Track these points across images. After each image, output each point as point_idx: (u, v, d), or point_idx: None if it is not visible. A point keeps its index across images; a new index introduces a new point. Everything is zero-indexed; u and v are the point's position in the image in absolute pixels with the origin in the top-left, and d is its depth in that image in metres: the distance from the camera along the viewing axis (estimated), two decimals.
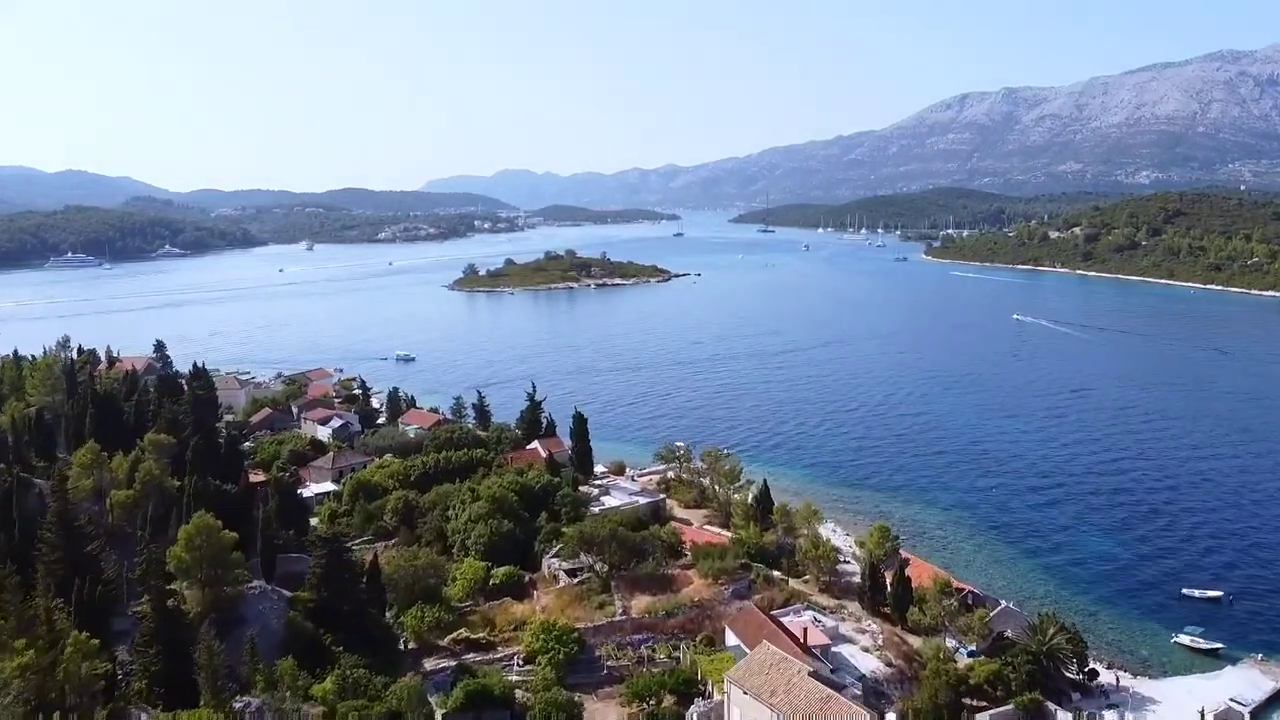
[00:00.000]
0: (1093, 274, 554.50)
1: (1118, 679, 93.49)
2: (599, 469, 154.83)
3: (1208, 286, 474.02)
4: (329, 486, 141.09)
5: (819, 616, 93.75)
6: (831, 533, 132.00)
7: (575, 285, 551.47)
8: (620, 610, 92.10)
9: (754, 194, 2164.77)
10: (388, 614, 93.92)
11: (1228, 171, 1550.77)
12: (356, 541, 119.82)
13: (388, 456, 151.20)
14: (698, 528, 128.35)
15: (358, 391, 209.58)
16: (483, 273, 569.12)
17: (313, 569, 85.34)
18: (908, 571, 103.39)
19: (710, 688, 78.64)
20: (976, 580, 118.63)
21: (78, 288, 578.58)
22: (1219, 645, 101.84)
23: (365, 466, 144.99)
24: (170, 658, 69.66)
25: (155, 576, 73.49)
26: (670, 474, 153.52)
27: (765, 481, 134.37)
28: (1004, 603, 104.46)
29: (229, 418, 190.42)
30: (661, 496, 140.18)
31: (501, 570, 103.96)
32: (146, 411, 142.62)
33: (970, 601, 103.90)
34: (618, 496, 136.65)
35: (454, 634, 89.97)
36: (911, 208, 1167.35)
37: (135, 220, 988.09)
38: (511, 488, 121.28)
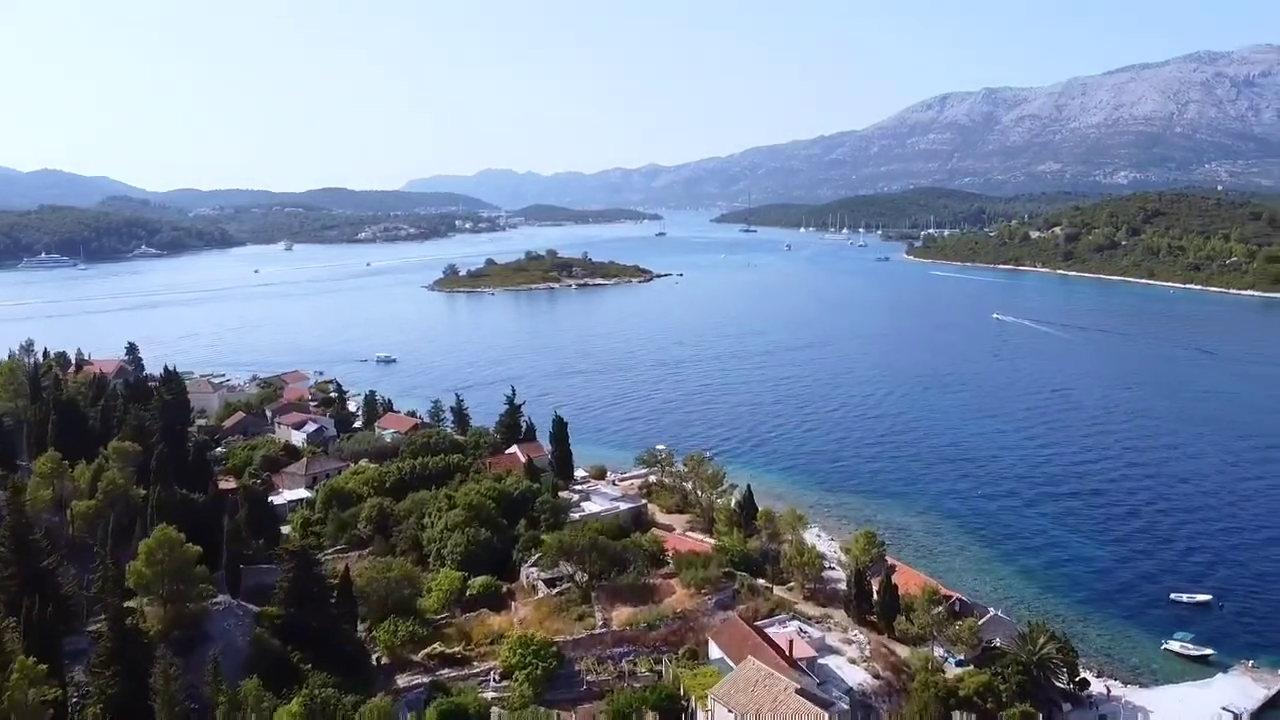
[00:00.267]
0: (1073, 274, 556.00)
1: (1108, 689, 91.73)
2: (579, 473, 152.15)
3: (1187, 286, 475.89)
4: (302, 493, 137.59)
5: (804, 627, 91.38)
6: (816, 538, 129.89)
7: (556, 285, 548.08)
8: (600, 622, 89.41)
9: (736, 194, 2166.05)
10: (360, 628, 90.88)
11: (1204, 172, 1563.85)
12: (330, 551, 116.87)
13: (363, 462, 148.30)
14: (680, 534, 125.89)
15: (334, 394, 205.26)
16: (463, 273, 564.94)
17: (280, 583, 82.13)
18: (894, 579, 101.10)
19: (693, 704, 76.04)
20: (963, 586, 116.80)
21: (51, 288, 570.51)
22: (1209, 651, 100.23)
23: (340, 472, 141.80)
24: (128, 680, 66.31)
25: (112, 594, 70.16)
26: (652, 478, 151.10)
27: (749, 487, 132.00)
28: (992, 610, 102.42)
29: (201, 422, 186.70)
30: (643, 502, 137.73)
31: (478, 580, 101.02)
32: (113, 417, 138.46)
33: (957, 608, 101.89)
34: (598, 502, 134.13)
35: (428, 648, 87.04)
36: (893, 207, 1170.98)
37: (111, 220, 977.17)
38: (489, 494, 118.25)
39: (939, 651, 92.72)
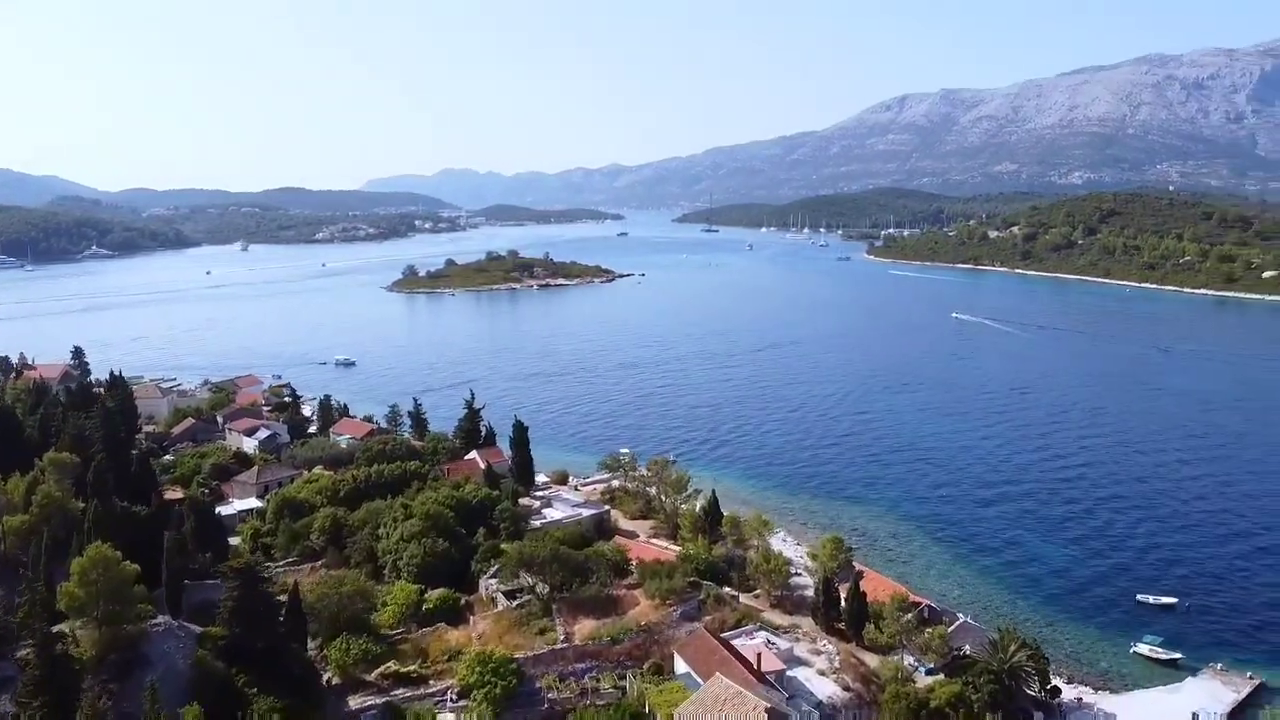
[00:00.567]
0: (1032, 273, 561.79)
1: (1080, 696, 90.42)
2: (541, 479, 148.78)
3: (1142, 285, 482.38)
4: (253, 503, 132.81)
5: (772, 638, 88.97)
6: (782, 543, 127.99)
7: (518, 286, 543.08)
8: (562, 636, 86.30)
9: (698, 193, 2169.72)
10: (311, 645, 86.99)
11: (1156, 172, 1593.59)
12: (281, 563, 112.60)
13: (317, 469, 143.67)
14: (644, 540, 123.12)
15: (288, 399, 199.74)
16: (423, 274, 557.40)
17: (224, 601, 77.97)
18: (862, 585, 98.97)
19: None
20: (931, 591, 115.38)
21: None
22: (1178, 655, 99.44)
23: (293, 481, 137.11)
24: (58, 710, 62.19)
25: (39, 617, 65.76)
26: (615, 483, 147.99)
27: (714, 492, 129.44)
28: (962, 617, 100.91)
29: (149, 428, 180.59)
30: (606, 508, 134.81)
31: (436, 594, 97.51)
32: (52, 426, 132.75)
33: (926, 615, 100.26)
34: (560, 509, 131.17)
35: (382, 667, 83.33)
36: (853, 207, 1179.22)
37: (60, 220, 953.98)
38: (447, 503, 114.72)
39: (909, 660, 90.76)
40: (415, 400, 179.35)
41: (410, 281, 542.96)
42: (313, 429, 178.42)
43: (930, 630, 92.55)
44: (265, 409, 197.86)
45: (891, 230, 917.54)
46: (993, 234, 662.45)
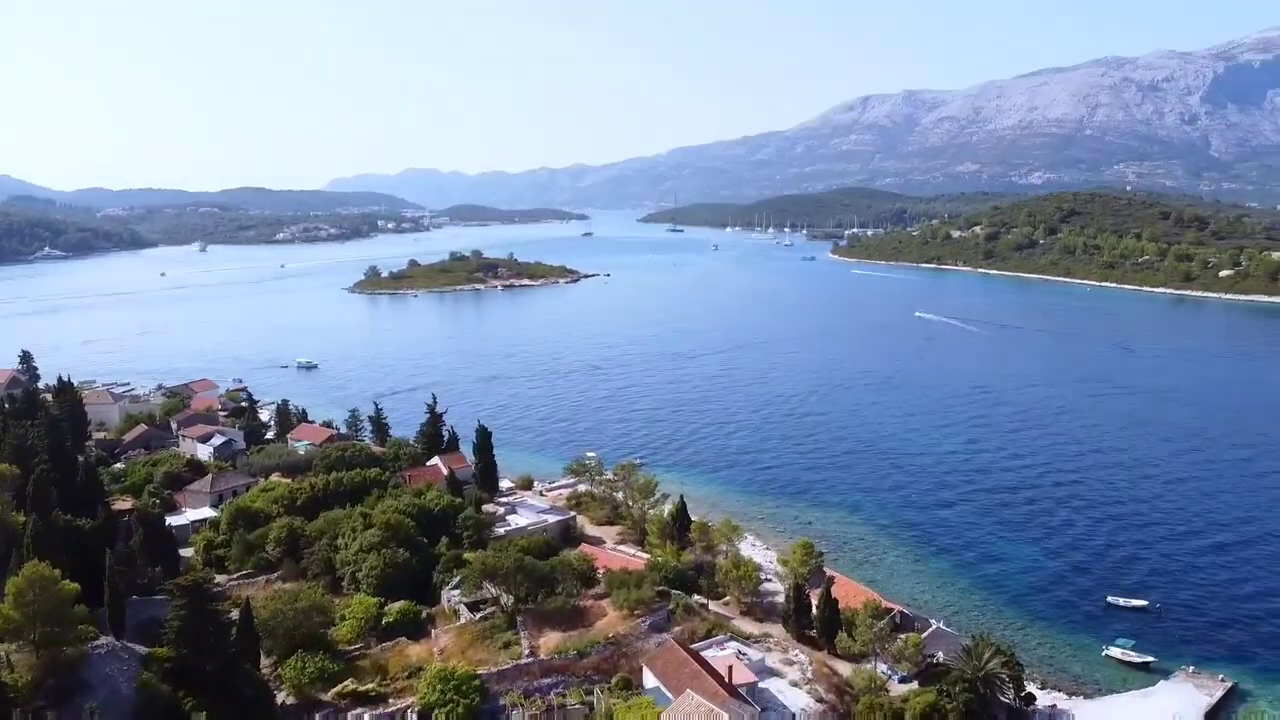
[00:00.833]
0: (994, 272, 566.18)
1: (1054, 703, 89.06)
2: (505, 484, 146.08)
3: (1103, 284, 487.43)
4: (207, 512, 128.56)
5: (743, 649, 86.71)
6: (751, 548, 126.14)
7: (481, 287, 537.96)
8: (527, 650, 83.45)
9: (663, 193, 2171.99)
10: (265, 664, 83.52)
11: (1113, 173, 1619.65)
12: (235, 576, 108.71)
13: (274, 477, 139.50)
14: (611, 547, 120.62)
15: (245, 404, 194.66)
16: (385, 274, 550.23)
17: (170, 621, 74.28)
18: (834, 592, 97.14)
19: None
20: (902, 595, 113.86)
21: None
22: (1150, 658, 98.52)
23: (248, 489, 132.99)
24: None
25: None
26: (581, 488, 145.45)
27: (682, 497, 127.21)
28: (935, 623, 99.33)
29: (100, 435, 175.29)
30: (572, 514, 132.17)
31: (396, 606, 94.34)
32: None
33: (899, 621, 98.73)
34: (525, 515, 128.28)
35: (340, 686, 80.00)
36: (818, 207, 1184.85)
37: (11, 221, 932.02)
38: (408, 511, 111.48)
39: (882, 668, 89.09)
40: (376, 404, 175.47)
41: (373, 282, 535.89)
42: (270, 435, 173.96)
43: (904, 638, 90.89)
44: (221, 414, 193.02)
45: (856, 230, 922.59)
46: (956, 234, 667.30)
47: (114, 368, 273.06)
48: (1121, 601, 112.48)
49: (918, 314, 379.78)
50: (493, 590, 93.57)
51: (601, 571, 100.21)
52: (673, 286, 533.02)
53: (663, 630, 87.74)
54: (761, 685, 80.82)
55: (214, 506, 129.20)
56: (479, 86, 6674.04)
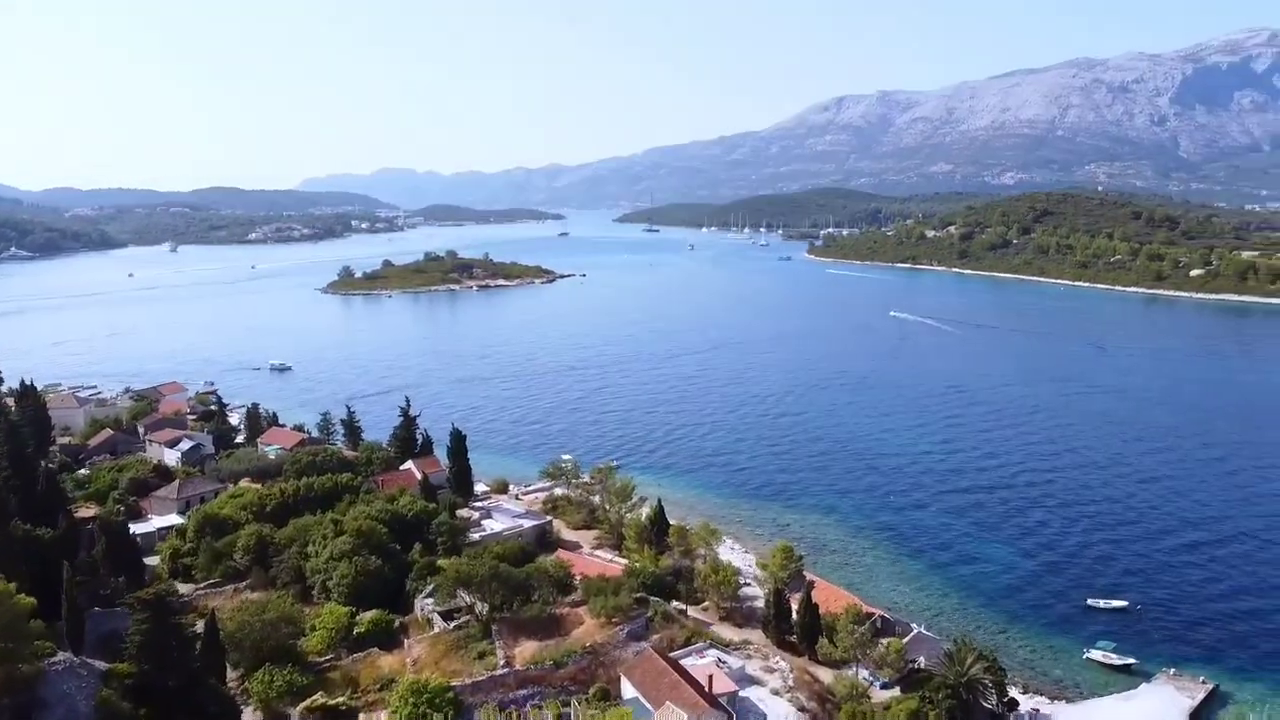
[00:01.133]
0: (969, 272, 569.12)
1: (1036, 708, 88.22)
2: (480, 488, 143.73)
3: (1076, 283, 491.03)
4: (174, 519, 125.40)
5: (723, 657, 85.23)
6: (730, 551, 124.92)
7: (457, 287, 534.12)
8: (502, 661, 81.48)
9: (639, 193, 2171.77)
10: (231, 677, 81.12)
11: (1084, 173, 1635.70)
12: (202, 585, 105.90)
13: (243, 483, 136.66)
14: (588, 552, 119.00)
15: (214, 407, 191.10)
16: (359, 275, 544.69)
17: (132, 636, 71.68)
18: (814, 596, 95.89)
19: None
20: (882, 599, 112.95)
21: None
22: (1131, 660, 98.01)
23: (216, 495, 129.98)
24: None
25: None
26: (558, 491, 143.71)
27: (659, 501, 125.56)
28: (916, 627, 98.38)
29: (64, 440, 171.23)
30: (548, 519, 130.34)
31: (368, 616, 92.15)
32: None
33: (879, 625, 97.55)
34: (500, 520, 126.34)
35: (309, 700, 77.74)
36: (793, 207, 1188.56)
37: None
38: (381, 517, 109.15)
39: (863, 674, 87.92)
40: (349, 407, 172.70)
41: (346, 283, 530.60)
42: (240, 439, 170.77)
43: (885, 643, 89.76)
44: (190, 418, 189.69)
45: (831, 230, 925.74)
46: (930, 234, 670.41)
47: (81, 370, 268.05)
48: (1101, 603, 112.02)
49: (893, 314, 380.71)
50: (467, 598, 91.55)
51: (578, 578, 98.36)
52: (649, 287, 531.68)
53: (641, 638, 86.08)
54: (742, 694, 79.42)
55: (181, 513, 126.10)
56: (455, 87, 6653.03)
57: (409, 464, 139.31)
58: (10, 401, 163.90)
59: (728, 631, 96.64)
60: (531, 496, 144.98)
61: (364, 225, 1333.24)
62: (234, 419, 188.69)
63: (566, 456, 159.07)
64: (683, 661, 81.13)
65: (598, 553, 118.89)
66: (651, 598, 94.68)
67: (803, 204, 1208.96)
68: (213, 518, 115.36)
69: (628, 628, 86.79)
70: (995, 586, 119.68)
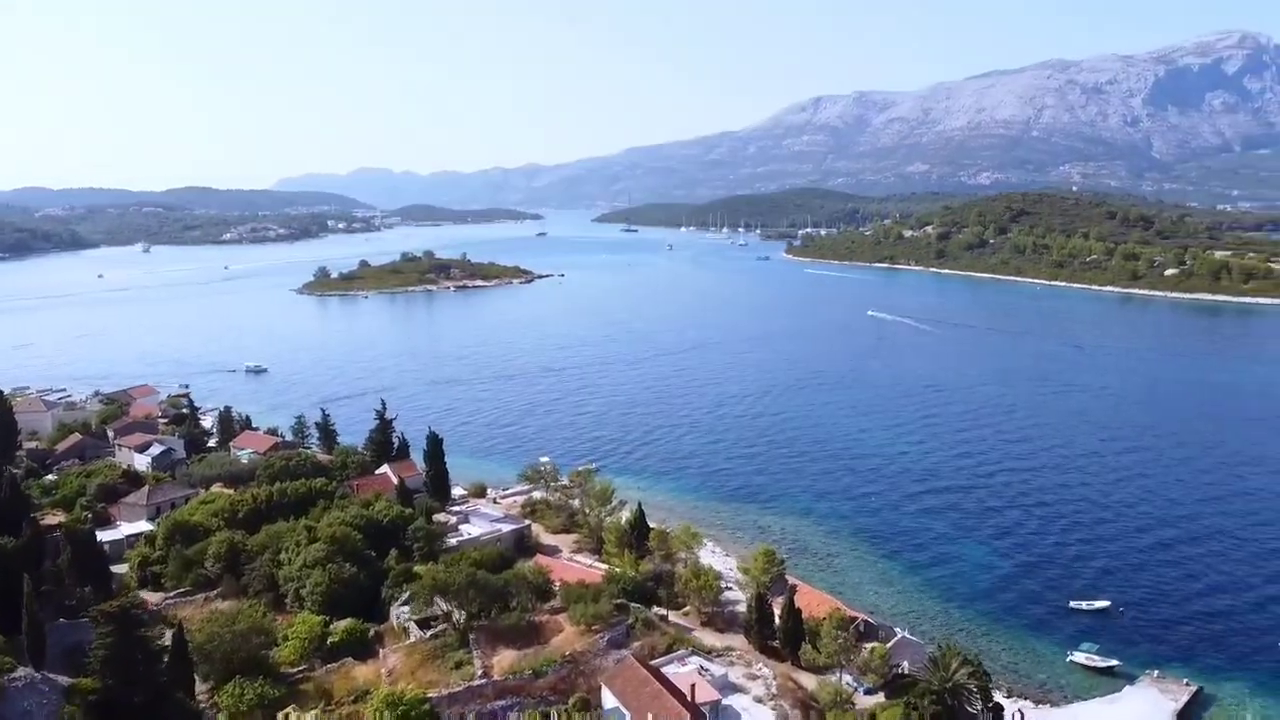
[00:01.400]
0: (946, 271, 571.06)
1: (1021, 712, 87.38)
2: (458, 491, 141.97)
3: (1052, 283, 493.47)
4: (143, 526, 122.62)
5: (706, 664, 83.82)
6: (711, 555, 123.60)
7: (434, 288, 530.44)
8: (480, 670, 79.67)
9: (617, 193, 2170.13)
10: (201, 689, 78.85)
11: (1059, 173, 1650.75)
12: (172, 594, 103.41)
13: (215, 488, 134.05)
14: (567, 557, 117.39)
15: (186, 411, 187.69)
16: (335, 275, 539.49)
17: (95, 650, 69.42)
18: (797, 601, 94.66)
19: None
20: (865, 602, 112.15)
21: None
22: (1114, 662, 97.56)
23: (187, 501, 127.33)
24: None
25: None
26: (537, 495, 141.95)
27: (640, 505, 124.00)
28: (900, 632, 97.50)
29: (32, 445, 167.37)
30: (527, 523, 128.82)
31: (342, 625, 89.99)
32: None
33: (862, 630, 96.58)
34: (478, 524, 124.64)
35: (281, 713, 75.20)
36: (771, 207, 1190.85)
37: None
38: (355, 523, 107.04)
39: (847, 680, 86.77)
40: (323, 410, 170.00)
41: (322, 283, 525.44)
42: (212, 443, 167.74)
43: (869, 648, 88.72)
44: (161, 421, 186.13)
45: (809, 230, 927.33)
46: (908, 233, 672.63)
47: (49, 373, 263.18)
48: (1084, 605, 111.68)
49: (871, 313, 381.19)
50: (444, 606, 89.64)
51: (558, 584, 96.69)
52: (627, 287, 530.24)
53: (622, 646, 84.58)
54: (725, 702, 78.13)
55: (151, 520, 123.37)
56: (433, 88, 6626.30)
57: (385, 468, 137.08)
58: None
59: (710, 637, 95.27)
60: (510, 500, 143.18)
61: (340, 225, 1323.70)
62: (206, 422, 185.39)
63: (545, 459, 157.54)
64: (664, 669, 79.69)
65: (577, 557, 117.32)
66: (632, 604, 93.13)
67: (781, 204, 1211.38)
68: (183, 524, 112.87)
69: (608, 635, 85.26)
70: (976, 588, 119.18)
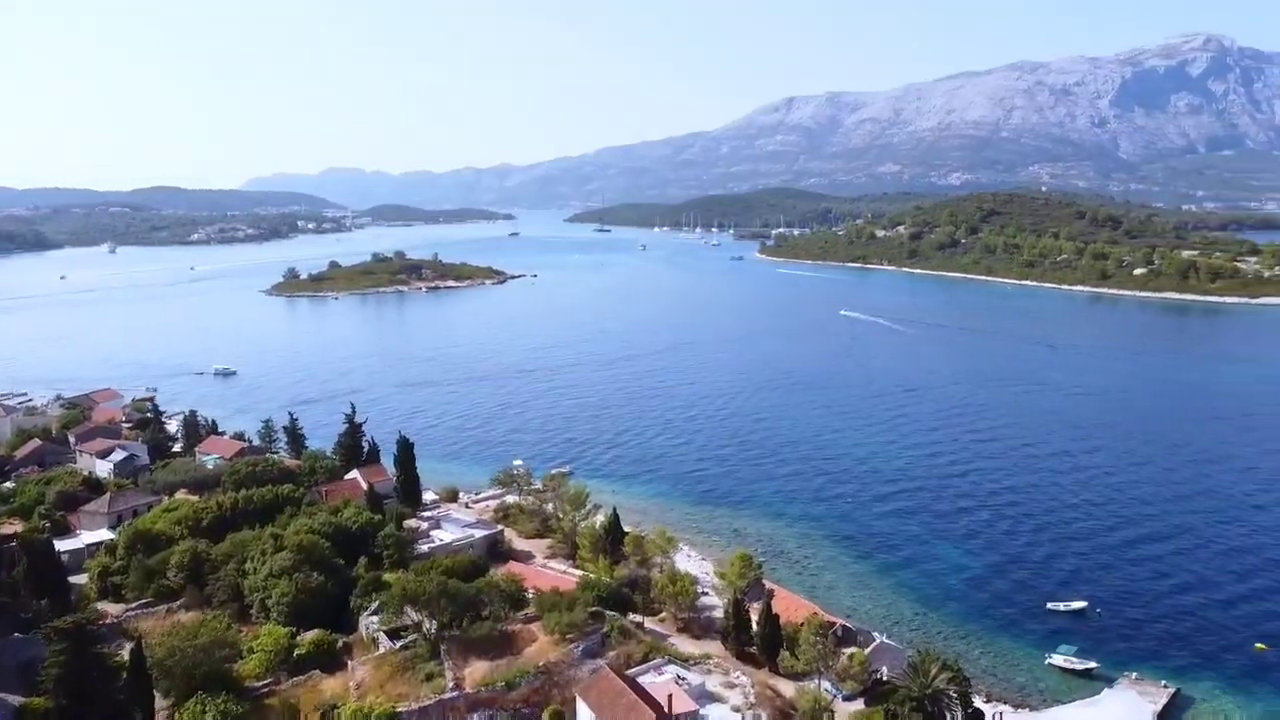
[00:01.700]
0: (918, 271, 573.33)
1: (1001, 715, 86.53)
2: (429, 496, 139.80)
3: (1023, 282, 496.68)
4: (105, 535, 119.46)
5: (683, 673, 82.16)
6: (687, 559, 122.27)
7: (405, 288, 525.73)
8: (451, 683, 77.58)
9: (589, 193, 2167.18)
10: (162, 706, 76.21)
11: (1028, 174, 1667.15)
12: (133, 605, 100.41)
13: (180, 495, 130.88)
14: (541, 563, 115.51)
15: (150, 415, 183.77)
16: (305, 276, 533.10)
17: (48, 669, 66.70)
18: (774, 606, 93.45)
19: None
20: (842, 606, 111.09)
21: None
22: (1093, 664, 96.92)
23: (150, 509, 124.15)
24: None
25: None
26: (510, 499, 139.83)
27: (614, 510, 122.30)
28: (879, 637, 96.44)
29: None
30: (499, 528, 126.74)
31: (309, 636, 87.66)
32: None
33: (840, 635, 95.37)
34: (450, 530, 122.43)
35: None
36: (744, 207, 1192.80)
37: None
38: (324, 531, 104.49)
39: (826, 686, 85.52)
40: (291, 415, 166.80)
41: (292, 284, 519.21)
42: (177, 448, 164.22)
43: (848, 654, 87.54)
44: (125, 426, 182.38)
45: (783, 230, 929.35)
46: (880, 233, 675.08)
47: (9, 377, 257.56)
48: (1061, 606, 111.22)
49: (844, 313, 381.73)
50: (414, 616, 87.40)
51: (531, 592, 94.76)
52: (601, 287, 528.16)
53: (597, 656, 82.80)
54: (702, 712, 76.55)
55: (112, 528, 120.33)
56: (404, 87, 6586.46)
57: (354, 473, 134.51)
58: None
59: (686, 644, 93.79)
60: (483, 505, 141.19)
61: (311, 226, 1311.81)
62: (171, 427, 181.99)
63: (518, 462, 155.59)
64: (641, 679, 77.98)
65: (551, 563, 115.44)
66: (607, 611, 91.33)
67: (754, 204, 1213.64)
68: (145, 533, 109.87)
69: (583, 645, 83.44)
70: (952, 590, 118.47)
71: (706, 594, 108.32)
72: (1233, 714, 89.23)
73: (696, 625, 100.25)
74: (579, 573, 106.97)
